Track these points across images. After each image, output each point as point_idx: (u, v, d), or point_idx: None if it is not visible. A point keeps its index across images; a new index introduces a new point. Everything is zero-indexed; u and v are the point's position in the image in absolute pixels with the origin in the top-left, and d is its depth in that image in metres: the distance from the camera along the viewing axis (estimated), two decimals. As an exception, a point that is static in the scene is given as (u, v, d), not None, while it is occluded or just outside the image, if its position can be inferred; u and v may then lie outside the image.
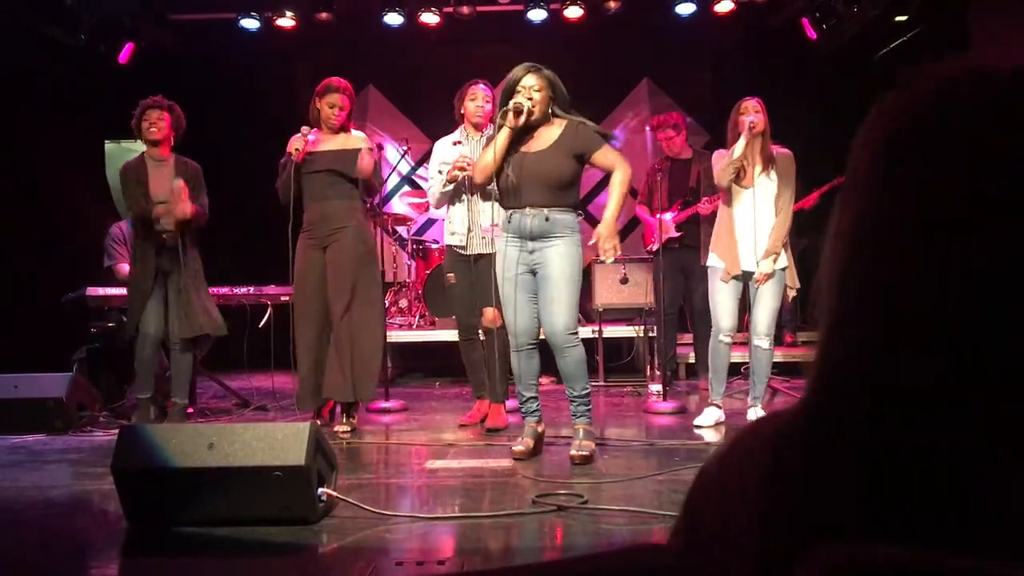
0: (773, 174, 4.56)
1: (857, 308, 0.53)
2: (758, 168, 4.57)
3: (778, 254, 4.55)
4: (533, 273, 3.88)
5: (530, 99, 3.78)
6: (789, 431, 0.54)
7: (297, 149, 4.48)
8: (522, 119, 3.75)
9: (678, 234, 5.80)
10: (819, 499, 0.50)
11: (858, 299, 0.53)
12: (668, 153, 5.98)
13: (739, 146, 4.47)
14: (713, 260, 4.68)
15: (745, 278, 4.62)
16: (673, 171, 5.83)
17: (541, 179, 3.80)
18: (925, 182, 0.52)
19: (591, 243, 3.87)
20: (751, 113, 4.50)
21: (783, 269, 4.57)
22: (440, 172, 4.77)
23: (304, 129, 4.54)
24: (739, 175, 4.55)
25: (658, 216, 5.69)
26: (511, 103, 3.77)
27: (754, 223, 4.53)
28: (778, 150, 4.62)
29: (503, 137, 3.80)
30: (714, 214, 4.88)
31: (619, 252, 3.89)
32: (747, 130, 4.45)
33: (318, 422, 4.31)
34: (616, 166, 3.89)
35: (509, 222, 3.89)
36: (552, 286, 3.80)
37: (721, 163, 4.57)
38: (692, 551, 0.59)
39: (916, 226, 0.51)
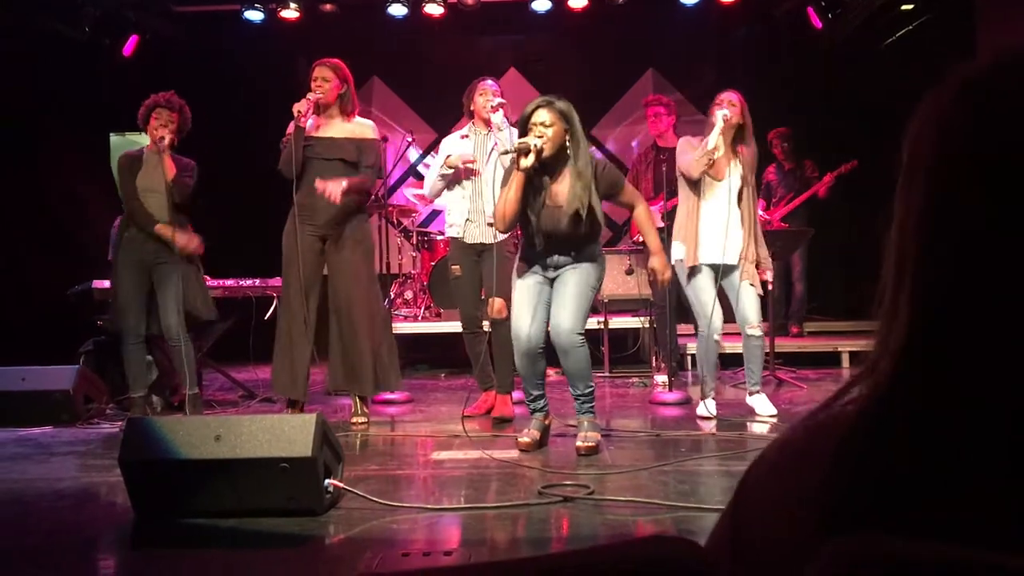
0: (738, 167, 4.54)
1: (927, 305, 0.52)
2: (728, 159, 4.54)
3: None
4: (550, 283, 3.89)
5: (540, 136, 3.68)
6: (854, 424, 0.53)
7: (299, 111, 4.40)
8: (531, 159, 3.66)
9: (662, 224, 5.73)
10: (873, 496, 0.49)
11: (927, 294, 0.52)
12: (652, 132, 5.93)
13: (713, 136, 4.41)
14: (680, 252, 4.58)
15: (724, 272, 4.55)
16: (658, 160, 5.78)
17: (569, 236, 3.80)
18: (991, 171, 0.50)
19: (650, 271, 4.10)
20: (726, 105, 4.46)
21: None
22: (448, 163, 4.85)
23: (306, 102, 4.45)
24: (711, 167, 4.51)
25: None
26: (516, 143, 3.72)
27: (727, 216, 4.50)
28: (743, 147, 4.60)
29: (517, 183, 3.71)
30: None
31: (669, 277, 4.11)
32: (720, 120, 4.41)
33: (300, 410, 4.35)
34: (636, 202, 4.01)
35: (534, 253, 3.89)
36: (567, 290, 3.82)
37: (692, 153, 4.49)
38: (741, 540, 0.58)
39: (986, 220, 0.49)
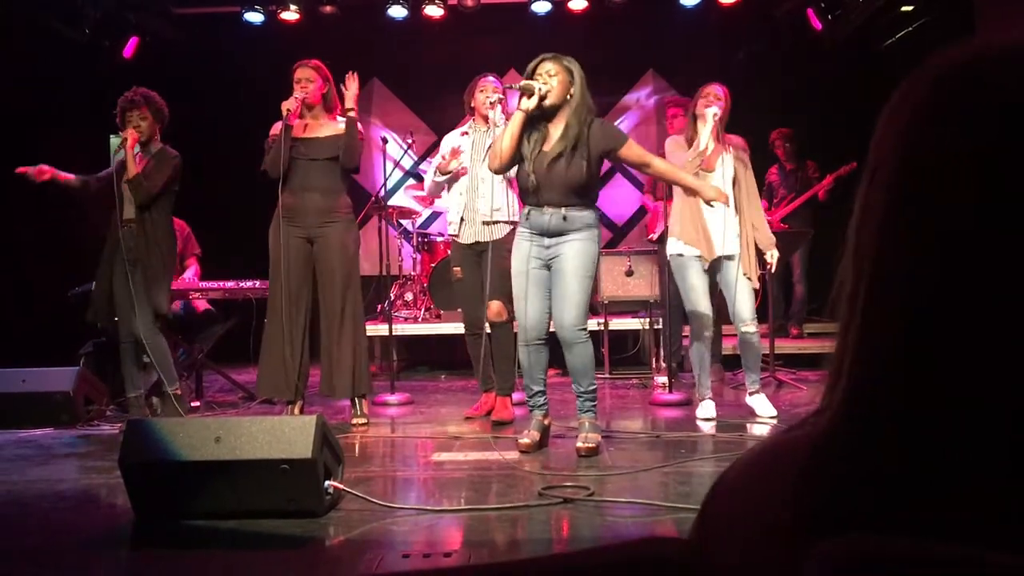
0: (729, 157, 4.55)
1: (891, 308, 0.51)
2: (718, 150, 4.55)
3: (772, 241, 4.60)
4: (547, 268, 3.88)
5: (545, 83, 3.74)
6: (826, 432, 0.53)
7: (289, 110, 4.41)
8: (534, 101, 3.71)
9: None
10: (858, 497, 0.49)
11: (890, 298, 0.51)
12: (671, 132, 5.95)
13: (704, 136, 4.40)
14: (682, 248, 4.56)
15: (713, 265, 4.58)
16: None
17: (561, 181, 3.79)
18: (985, 167, 0.48)
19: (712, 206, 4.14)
20: (714, 102, 4.46)
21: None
22: (443, 160, 4.84)
23: (294, 100, 4.46)
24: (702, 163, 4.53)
25: (653, 204, 5.69)
26: (521, 83, 3.75)
27: (721, 208, 4.50)
28: (732, 137, 4.63)
29: (516, 120, 3.76)
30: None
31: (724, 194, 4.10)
32: (710, 119, 4.41)
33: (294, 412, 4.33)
34: (648, 159, 3.95)
35: (527, 218, 3.89)
36: (565, 281, 3.81)
37: (682, 154, 4.48)
38: (713, 545, 0.58)
39: (980, 218, 0.48)
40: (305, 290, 4.59)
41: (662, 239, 5.78)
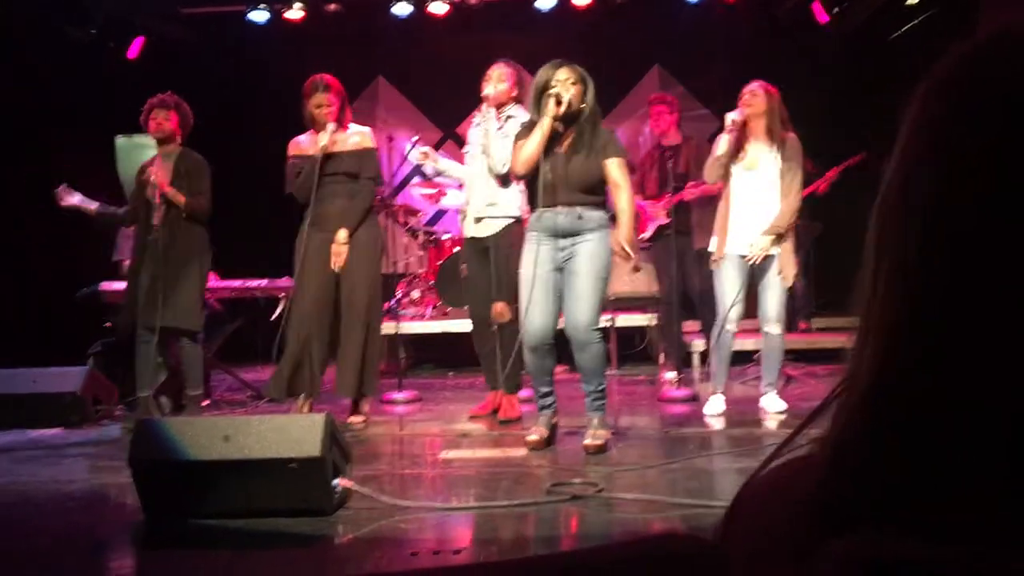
0: (777, 156, 4.51)
1: (918, 305, 0.50)
2: (763, 148, 4.51)
3: (780, 234, 4.48)
4: (559, 270, 3.88)
5: (567, 91, 3.76)
6: (843, 429, 0.52)
7: (324, 147, 4.48)
8: (563, 108, 3.74)
9: (668, 220, 5.65)
10: (872, 500, 0.49)
11: (909, 300, 0.50)
12: (656, 130, 5.89)
13: (721, 144, 4.43)
14: (713, 243, 4.62)
15: (751, 264, 4.58)
16: (663, 158, 5.75)
17: (578, 180, 3.80)
18: (962, 174, 0.48)
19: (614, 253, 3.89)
20: (741, 103, 4.45)
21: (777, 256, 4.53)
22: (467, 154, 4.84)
23: (329, 127, 4.52)
24: (737, 155, 4.49)
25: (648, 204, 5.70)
26: (552, 91, 3.76)
27: (754, 204, 4.48)
28: (785, 135, 4.58)
29: (546, 126, 3.77)
30: (703, 199, 4.96)
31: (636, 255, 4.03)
32: (728, 123, 4.42)
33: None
34: (622, 185, 3.91)
35: (539, 220, 3.87)
36: (580, 282, 3.80)
37: (709, 159, 4.54)
38: (730, 553, 0.58)
39: (990, 212, 0.47)
40: (330, 291, 4.61)
41: (656, 237, 5.78)
